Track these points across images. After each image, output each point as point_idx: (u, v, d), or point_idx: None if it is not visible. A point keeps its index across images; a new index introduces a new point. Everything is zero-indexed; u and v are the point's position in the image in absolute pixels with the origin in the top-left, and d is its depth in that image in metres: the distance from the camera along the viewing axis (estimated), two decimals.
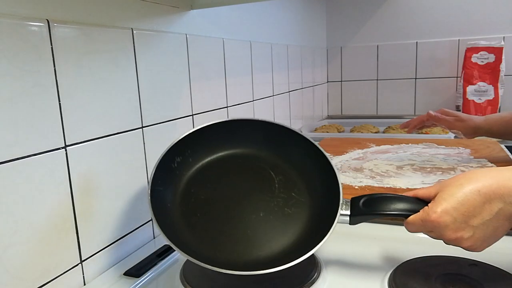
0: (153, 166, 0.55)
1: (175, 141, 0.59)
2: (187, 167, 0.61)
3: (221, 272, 0.47)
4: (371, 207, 0.54)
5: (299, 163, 0.63)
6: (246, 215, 0.59)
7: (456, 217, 0.45)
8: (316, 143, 0.62)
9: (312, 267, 0.58)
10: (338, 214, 0.54)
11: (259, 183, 0.62)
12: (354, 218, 0.54)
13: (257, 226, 0.58)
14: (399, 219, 0.53)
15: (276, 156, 0.64)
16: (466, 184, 0.46)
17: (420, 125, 1.05)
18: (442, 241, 0.49)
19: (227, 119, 0.64)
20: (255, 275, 0.48)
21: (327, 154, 0.60)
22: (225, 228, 0.57)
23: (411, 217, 0.50)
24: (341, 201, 0.55)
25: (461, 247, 0.48)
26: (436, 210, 0.46)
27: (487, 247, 0.48)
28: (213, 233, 0.57)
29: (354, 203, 0.55)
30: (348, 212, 0.54)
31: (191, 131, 0.61)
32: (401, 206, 0.52)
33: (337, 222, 0.54)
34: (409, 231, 0.51)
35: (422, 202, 0.51)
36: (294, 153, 0.63)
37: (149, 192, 0.53)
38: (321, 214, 0.57)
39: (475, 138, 1.02)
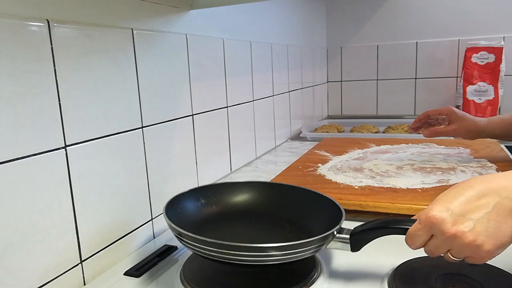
0: (153, 166, 0.56)
1: (204, 185, 0.70)
2: (209, 209, 0.69)
3: (228, 252, 0.49)
4: (371, 227, 0.55)
5: (313, 218, 0.66)
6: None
7: (452, 209, 0.46)
8: (337, 203, 0.63)
9: (312, 267, 0.58)
10: (340, 223, 0.55)
11: (272, 231, 0.67)
12: (355, 237, 0.54)
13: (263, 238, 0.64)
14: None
15: (293, 213, 0.68)
16: (459, 185, 0.48)
17: (418, 124, 1.05)
18: (450, 257, 0.48)
19: (255, 181, 0.74)
20: (261, 256, 0.50)
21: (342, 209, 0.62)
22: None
23: (410, 228, 0.50)
24: (342, 220, 0.56)
25: (467, 253, 0.46)
26: (432, 207, 0.47)
27: (497, 246, 0.45)
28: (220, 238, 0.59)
29: (354, 229, 0.56)
30: (348, 236, 0.55)
31: (224, 182, 0.72)
32: (399, 222, 0.52)
33: (340, 244, 0.56)
34: (409, 246, 0.51)
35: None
36: (310, 210, 0.67)
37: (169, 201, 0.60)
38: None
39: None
